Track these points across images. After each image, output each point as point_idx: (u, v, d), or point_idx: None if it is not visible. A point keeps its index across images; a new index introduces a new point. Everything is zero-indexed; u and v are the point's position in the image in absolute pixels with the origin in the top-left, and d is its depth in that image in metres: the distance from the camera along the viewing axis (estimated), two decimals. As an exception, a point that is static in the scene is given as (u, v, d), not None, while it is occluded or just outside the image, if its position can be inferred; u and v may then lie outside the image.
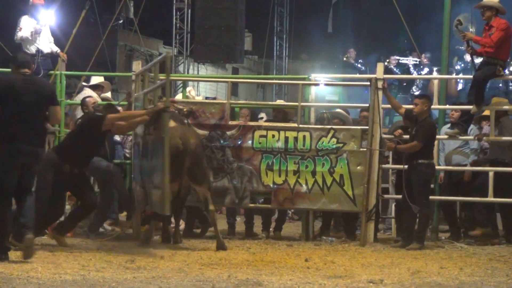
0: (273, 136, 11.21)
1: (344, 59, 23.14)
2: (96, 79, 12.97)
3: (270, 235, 11.59)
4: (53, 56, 12.20)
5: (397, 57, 21.74)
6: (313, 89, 12.11)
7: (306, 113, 11.81)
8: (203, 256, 9.05)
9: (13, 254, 8.70)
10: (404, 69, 21.54)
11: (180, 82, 19.48)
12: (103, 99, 12.22)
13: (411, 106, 11.13)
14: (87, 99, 11.60)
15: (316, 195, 11.06)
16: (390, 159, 12.00)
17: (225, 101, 11.55)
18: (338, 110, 12.57)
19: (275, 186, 11.16)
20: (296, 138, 11.15)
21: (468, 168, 11.45)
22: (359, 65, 23.12)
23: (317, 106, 12.63)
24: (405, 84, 21.27)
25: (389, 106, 11.53)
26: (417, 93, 18.79)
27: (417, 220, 10.53)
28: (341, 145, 11.05)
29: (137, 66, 11.89)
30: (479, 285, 7.45)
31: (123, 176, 11.71)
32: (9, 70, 9.28)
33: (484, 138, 11.26)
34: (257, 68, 28.78)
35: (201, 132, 11.08)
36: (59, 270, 7.75)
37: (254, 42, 26.94)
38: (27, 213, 8.48)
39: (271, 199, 11.25)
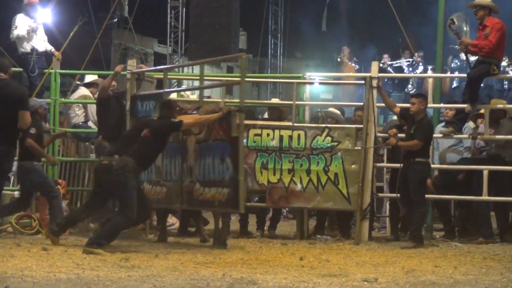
0: (268, 134, 11.20)
1: (338, 59, 23.14)
2: (91, 77, 12.95)
3: (265, 234, 11.59)
4: (47, 55, 12.18)
5: (390, 62, 21.75)
6: (307, 88, 12.11)
7: (301, 112, 11.82)
8: (197, 255, 9.05)
9: (8, 253, 8.71)
10: (398, 68, 21.57)
11: (174, 80, 19.46)
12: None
13: (405, 105, 11.14)
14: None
15: (310, 193, 11.06)
16: (385, 158, 12.01)
17: (219, 100, 11.54)
18: (331, 109, 12.58)
19: (269, 184, 11.16)
20: (291, 137, 11.15)
21: (462, 166, 11.45)
22: (353, 64, 23.13)
23: (311, 104, 12.62)
24: (396, 81, 21.29)
25: (383, 104, 11.52)
26: (412, 91, 18.81)
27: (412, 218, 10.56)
28: (335, 143, 11.05)
29: (132, 64, 11.88)
30: (474, 283, 7.45)
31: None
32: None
33: (479, 136, 11.27)
34: (251, 67, 28.77)
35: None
36: (54, 269, 7.74)
37: (249, 41, 26.94)
38: None
39: (265, 197, 11.25)
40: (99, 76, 13.20)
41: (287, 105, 12.19)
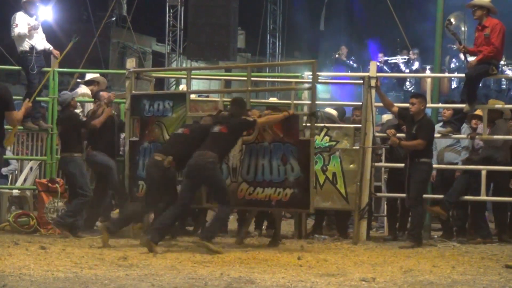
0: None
1: (336, 55, 23.16)
2: (90, 75, 12.94)
3: (263, 233, 11.59)
4: (45, 53, 12.16)
5: (385, 58, 21.76)
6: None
7: (299, 111, 11.79)
8: (195, 254, 9.05)
9: (6, 251, 8.71)
10: (394, 67, 21.60)
11: (173, 79, 19.48)
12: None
13: (403, 105, 11.14)
14: (101, 93, 11.56)
15: (309, 193, 11.05)
16: (383, 158, 12.01)
17: (218, 99, 11.53)
18: (327, 109, 12.57)
19: (268, 184, 11.16)
20: (289, 136, 11.14)
21: (461, 166, 11.44)
22: (351, 62, 23.16)
23: (309, 104, 12.59)
24: (394, 80, 21.30)
25: (381, 104, 11.52)
26: (411, 89, 18.82)
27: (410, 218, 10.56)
28: (334, 143, 11.05)
29: (130, 63, 11.83)
30: (471, 283, 7.46)
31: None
32: (3, 67, 9.39)
33: (477, 136, 11.27)
34: (250, 66, 28.72)
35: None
36: (52, 268, 7.75)
37: (247, 40, 26.91)
38: None
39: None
40: (99, 75, 13.21)
41: (286, 104, 12.18)
